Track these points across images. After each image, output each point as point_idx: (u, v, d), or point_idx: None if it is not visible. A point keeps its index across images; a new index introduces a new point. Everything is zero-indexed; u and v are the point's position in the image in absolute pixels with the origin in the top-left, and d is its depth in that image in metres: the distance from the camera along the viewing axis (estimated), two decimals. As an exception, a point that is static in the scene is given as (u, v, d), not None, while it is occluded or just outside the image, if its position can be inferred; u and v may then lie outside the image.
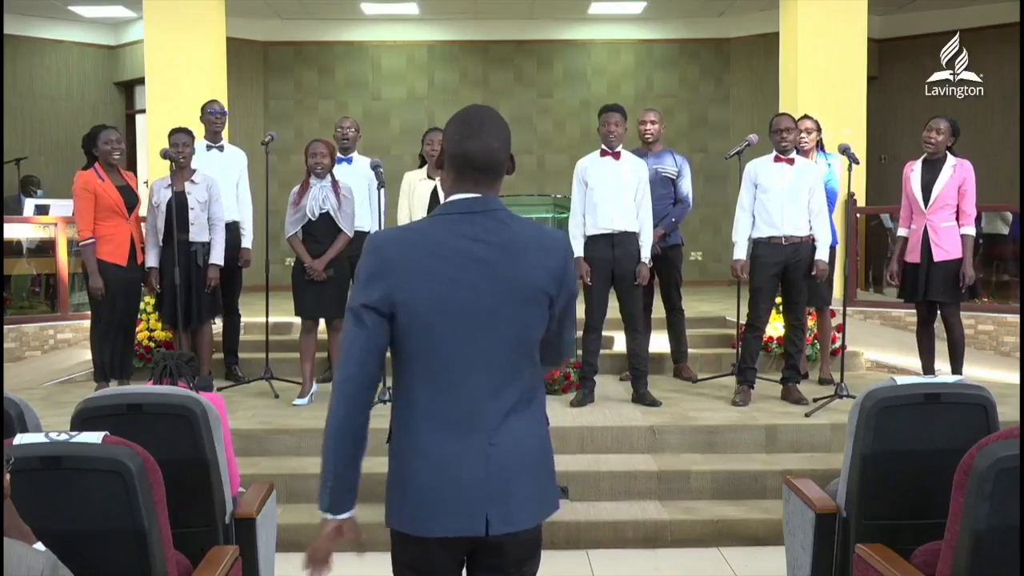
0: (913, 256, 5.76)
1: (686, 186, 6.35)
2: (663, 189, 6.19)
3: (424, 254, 2.08)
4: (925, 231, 5.69)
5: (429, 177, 6.18)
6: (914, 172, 5.79)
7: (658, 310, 6.55)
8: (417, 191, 6.18)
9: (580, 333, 6.20)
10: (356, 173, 6.28)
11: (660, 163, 6.26)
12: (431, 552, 2.11)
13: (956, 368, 5.77)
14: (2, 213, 7.41)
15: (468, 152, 2.12)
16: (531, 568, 2.20)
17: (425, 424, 2.10)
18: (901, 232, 5.91)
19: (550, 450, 2.23)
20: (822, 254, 5.72)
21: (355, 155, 6.57)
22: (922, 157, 5.77)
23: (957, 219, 5.67)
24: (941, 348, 5.92)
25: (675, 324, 6.57)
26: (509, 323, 2.10)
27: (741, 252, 5.78)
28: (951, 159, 5.68)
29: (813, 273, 5.73)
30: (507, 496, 2.08)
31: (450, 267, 2.07)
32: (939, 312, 5.84)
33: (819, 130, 6.29)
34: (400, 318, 2.07)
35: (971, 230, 5.67)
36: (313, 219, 5.76)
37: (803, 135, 6.11)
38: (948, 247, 5.64)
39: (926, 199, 5.69)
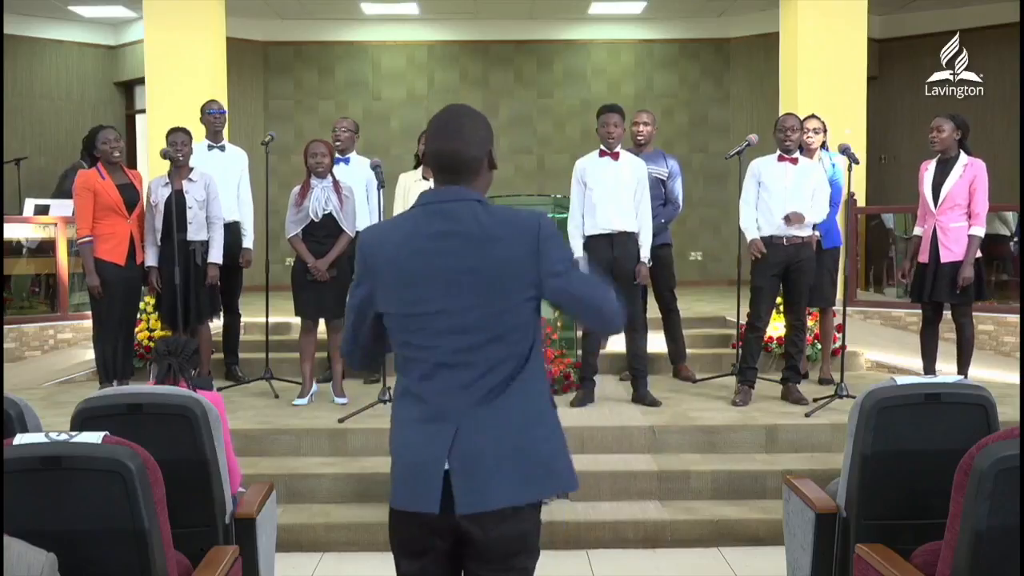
0: (923, 256, 5.74)
1: (677, 188, 6.37)
2: (653, 190, 6.17)
3: (400, 249, 2.18)
4: (935, 231, 5.68)
5: (424, 178, 6.18)
6: (928, 171, 5.77)
7: (653, 311, 6.54)
8: (412, 192, 6.19)
9: (579, 333, 6.21)
10: (353, 174, 6.27)
11: (651, 165, 6.25)
12: (413, 532, 2.17)
13: (962, 369, 5.76)
14: (2, 213, 7.41)
15: (438, 152, 2.24)
16: (521, 563, 2.19)
17: (405, 409, 2.21)
18: (916, 231, 5.90)
19: (538, 436, 2.18)
20: (810, 219, 5.67)
21: (352, 155, 6.57)
22: (936, 157, 5.75)
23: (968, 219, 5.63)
24: (943, 349, 5.93)
25: (671, 325, 6.56)
26: (480, 312, 2.14)
27: (754, 233, 5.72)
28: (963, 158, 5.64)
29: (788, 216, 5.61)
30: (472, 479, 2.11)
31: (420, 259, 2.16)
32: (950, 313, 5.84)
33: (825, 130, 6.29)
34: (381, 311, 2.22)
35: (980, 231, 5.61)
36: (316, 220, 5.76)
37: (810, 134, 6.11)
38: (955, 248, 5.61)
39: (935, 199, 5.68)
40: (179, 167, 5.91)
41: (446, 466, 2.11)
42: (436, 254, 2.14)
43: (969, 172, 5.60)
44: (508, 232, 2.15)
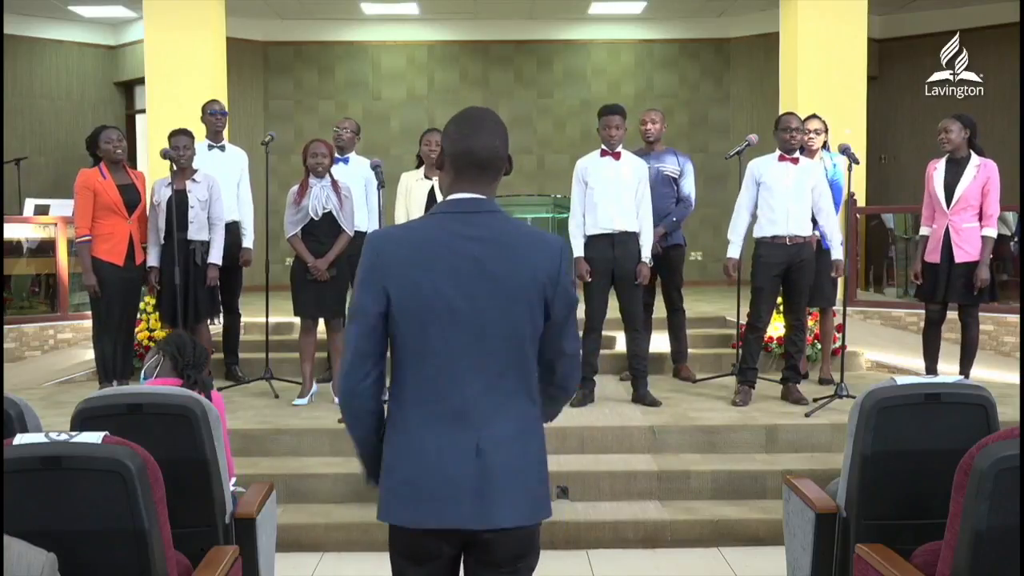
0: (933, 256, 5.72)
1: (688, 186, 6.36)
2: (665, 188, 6.20)
3: (417, 250, 2.12)
4: (947, 231, 5.66)
5: (426, 177, 6.19)
6: (937, 171, 5.75)
7: (659, 310, 6.56)
8: (414, 192, 6.19)
9: (580, 333, 6.22)
10: (352, 174, 6.27)
11: (662, 163, 6.27)
12: (422, 541, 2.13)
13: (964, 370, 5.75)
14: (2, 213, 7.41)
15: (470, 149, 2.16)
16: (527, 564, 2.20)
17: (414, 417, 2.14)
18: (923, 231, 5.89)
19: (542, 455, 2.21)
20: (838, 254, 5.73)
21: (352, 156, 6.57)
22: (945, 156, 5.74)
23: (980, 219, 5.62)
24: (944, 349, 5.92)
25: (675, 324, 6.57)
26: (500, 321, 2.11)
27: (735, 251, 5.79)
28: (975, 159, 5.63)
29: (833, 274, 5.78)
30: (491, 493, 2.09)
31: (442, 264, 2.10)
32: (957, 312, 5.83)
33: (826, 131, 6.29)
34: (392, 312, 2.12)
35: (992, 232, 5.62)
36: (316, 219, 5.76)
37: (812, 135, 6.11)
38: (969, 248, 5.61)
39: (948, 199, 5.65)
40: (182, 168, 5.92)
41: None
42: (459, 262, 2.09)
43: (982, 174, 5.59)
44: (533, 249, 2.14)
